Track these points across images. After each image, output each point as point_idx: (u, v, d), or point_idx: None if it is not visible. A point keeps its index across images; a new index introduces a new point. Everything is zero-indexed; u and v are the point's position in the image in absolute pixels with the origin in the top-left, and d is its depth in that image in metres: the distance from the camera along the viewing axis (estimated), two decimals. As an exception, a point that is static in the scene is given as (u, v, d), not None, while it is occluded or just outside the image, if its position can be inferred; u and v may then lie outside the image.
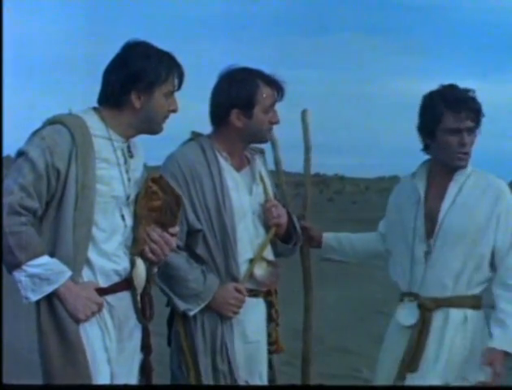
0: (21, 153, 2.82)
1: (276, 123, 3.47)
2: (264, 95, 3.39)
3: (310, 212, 3.74)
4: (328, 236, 3.79)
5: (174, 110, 3.00)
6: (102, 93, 2.96)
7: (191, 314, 3.35)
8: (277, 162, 3.69)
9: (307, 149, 3.69)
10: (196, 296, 3.34)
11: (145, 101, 2.92)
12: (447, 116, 3.36)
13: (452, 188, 3.42)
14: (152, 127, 3.00)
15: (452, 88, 3.41)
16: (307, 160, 3.70)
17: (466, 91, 3.41)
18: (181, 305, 3.34)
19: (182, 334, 3.39)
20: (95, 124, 2.91)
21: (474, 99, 3.40)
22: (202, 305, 3.35)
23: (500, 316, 3.34)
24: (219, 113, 3.44)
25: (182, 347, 3.38)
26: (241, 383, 3.39)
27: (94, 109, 2.97)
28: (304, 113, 3.69)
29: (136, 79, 2.90)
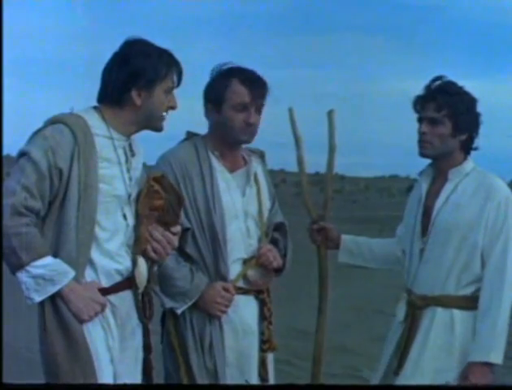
0: (23, 154, 2.81)
1: (252, 124, 3.42)
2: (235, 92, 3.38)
3: (329, 212, 3.72)
4: (347, 239, 3.78)
5: (173, 107, 3.00)
6: (102, 92, 2.96)
7: (178, 311, 3.37)
8: (300, 161, 3.66)
9: (331, 150, 3.63)
10: (183, 294, 3.36)
11: (145, 98, 2.92)
12: (418, 106, 3.43)
13: (447, 187, 3.43)
14: (152, 124, 2.99)
15: (433, 79, 3.44)
16: (330, 160, 3.64)
17: (438, 82, 3.42)
18: (168, 303, 3.36)
19: (172, 332, 3.41)
20: (96, 123, 2.91)
21: (442, 91, 3.39)
22: (189, 304, 3.37)
23: (477, 326, 3.31)
24: (205, 109, 3.47)
25: (173, 345, 3.41)
26: (233, 381, 3.40)
27: (95, 108, 2.97)
28: (330, 113, 3.63)
29: (136, 76, 2.90)
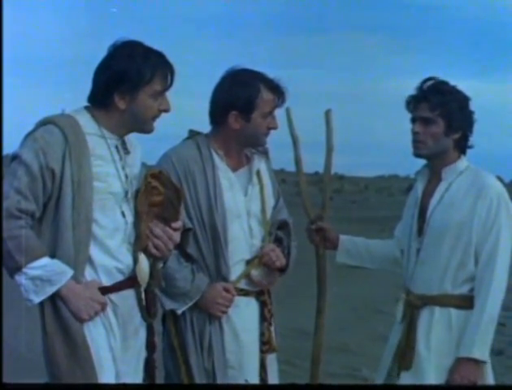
0: (15, 157, 2.83)
1: (274, 128, 3.46)
2: (264, 100, 3.38)
3: (328, 212, 3.72)
4: (344, 239, 3.77)
5: (165, 110, 2.97)
6: (91, 93, 2.96)
7: (179, 312, 3.38)
8: (297, 162, 3.67)
9: (329, 150, 3.65)
10: (184, 294, 3.36)
11: (129, 102, 2.89)
12: (411, 106, 3.44)
13: (441, 186, 3.44)
14: (141, 126, 2.97)
15: (425, 79, 3.45)
16: (328, 160, 3.66)
17: (430, 82, 3.43)
18: (168, 304, 3.37)
19: (173, 332, 3.42)
20: (87, 123, 2.91)
21: (434, 90, 3.41)
22: (190, 304, 3.38)
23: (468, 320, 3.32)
24: (217, 113, 3.44)
25: (173, 345, 3.41)
26: (234, 381, 3.41)
27: (86, 108, 2.97)
28: (328, 113, 3.65)
29: (118, 80, 2.87)
